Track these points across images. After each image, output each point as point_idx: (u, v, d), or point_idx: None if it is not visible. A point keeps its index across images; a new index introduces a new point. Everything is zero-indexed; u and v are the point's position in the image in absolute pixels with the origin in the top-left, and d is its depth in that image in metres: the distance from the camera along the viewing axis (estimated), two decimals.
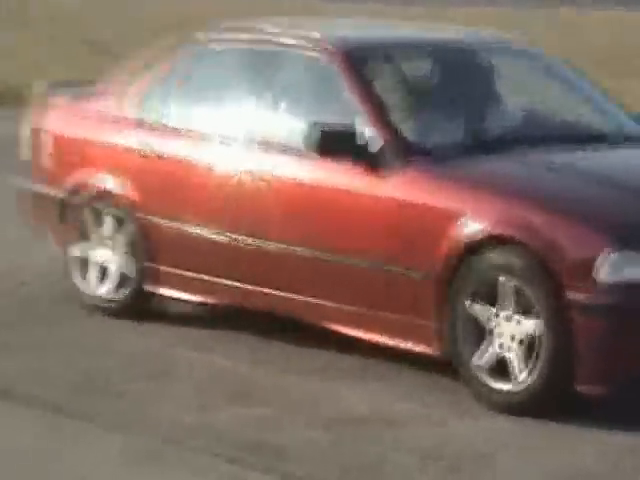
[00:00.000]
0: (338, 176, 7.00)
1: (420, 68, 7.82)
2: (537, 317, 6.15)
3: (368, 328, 6.89)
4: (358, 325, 6.93)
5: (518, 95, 8.27)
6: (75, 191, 8.03)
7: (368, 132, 6.88)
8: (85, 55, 23.57)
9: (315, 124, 6.88)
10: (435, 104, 7.62)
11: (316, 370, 6.98)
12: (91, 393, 6.50)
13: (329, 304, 7.03)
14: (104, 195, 7.96)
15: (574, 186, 6.80)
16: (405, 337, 6.69)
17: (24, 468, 5.47)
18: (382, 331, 6.82)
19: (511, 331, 6.27)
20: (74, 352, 7.29)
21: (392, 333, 6.77)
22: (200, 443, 5.70)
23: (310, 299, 7.12)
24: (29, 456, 5.63)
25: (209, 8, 34.03)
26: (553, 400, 6.19)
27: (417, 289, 6.60)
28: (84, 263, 8.06)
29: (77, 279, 8.06)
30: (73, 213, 8.08)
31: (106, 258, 8.01)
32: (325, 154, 6.86)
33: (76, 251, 8.00)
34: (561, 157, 7.19)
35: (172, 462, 5.56)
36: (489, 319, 6.33)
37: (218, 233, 7.47)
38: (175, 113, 7.92)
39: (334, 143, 6.83)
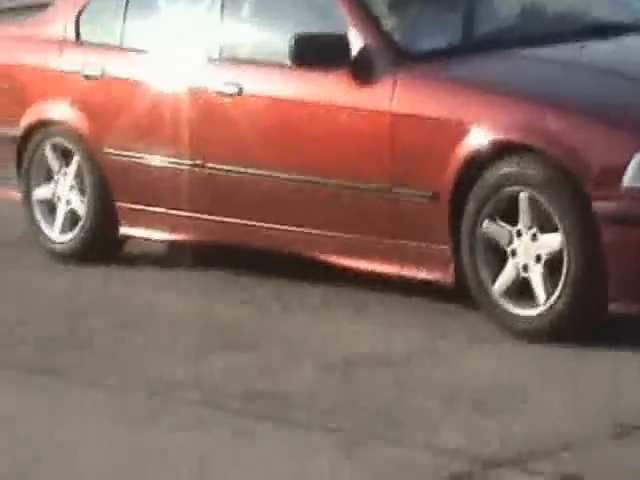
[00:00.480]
0: (319, 89, 6.73)
1: None
2: (560, 233, 5.90)
3: (375, 258, 6.63)
4: (359, 256, 6.69)
5: None
6: (30, 129, 7.83)
7: (352, 36, 6.53)
8: None
9: (293, 32, 6.60)
10: (423, 3, 7.30)
11: (313, 308, 6.72)
12: (60, 347, 6.26)
13: (324, 235, 6.77)
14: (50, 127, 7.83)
15: (591, 83, 6.48)
16: (417, 266, 6.45)
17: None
18: (391, 261, 6.55)
19: (534, 250, 6.02)
20: (38, 301, 7.07)
21: (403, 262, 6.52)
22: (196, 395, 5.45)
23: (303, 230, 6.85)
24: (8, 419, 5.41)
25: None
26: (583, 323, 5.93)
27: (427, 212, 6.35)
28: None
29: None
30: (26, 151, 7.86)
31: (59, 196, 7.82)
32: (302, 63, 6.56)
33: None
34: (572, 52, 6.79)
35: (170, 419, 5.29)
36: (509, 239, 6.08)
37: (184, 162, 7.20)
38: (126, 29, 7.60)
39: (314, 50, 6.54)
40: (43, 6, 8.87)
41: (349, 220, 6.64)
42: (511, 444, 4.77)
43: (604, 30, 7.00)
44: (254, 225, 6.97)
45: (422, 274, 6.36)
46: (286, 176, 6.74)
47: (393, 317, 6.45)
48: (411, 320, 6.37)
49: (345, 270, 6.71)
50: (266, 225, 6.90)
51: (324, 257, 6.75)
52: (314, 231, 6.73)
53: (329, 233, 6.69)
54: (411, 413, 5.18)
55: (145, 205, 7.31)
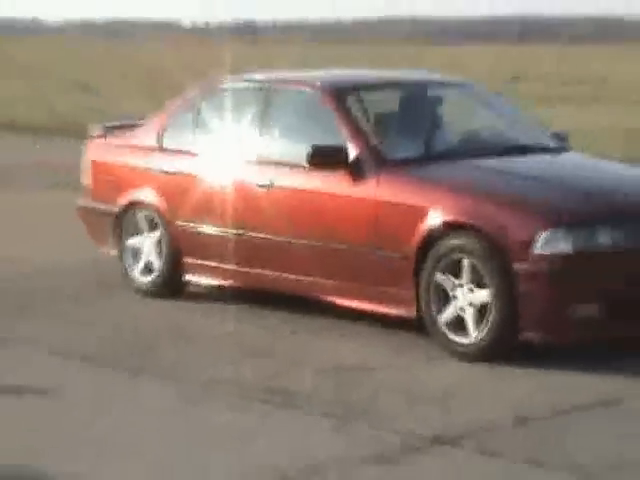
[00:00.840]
0: (327, 184, 6.91)
1: (388, 100, 7.83)
2: (489, 289, 6.10)
3: (358, 299, 6.83)
4: (350, 297, 6.86)
5: (460, 116, 8.29)
6: (126, 207, 7.82)
7: (349, 148, 6.81)
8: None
9: (309, 143, 6.90)
10: (398, 125, 7.58)
11: (313, 331, 6.91)
12: (137, 352, 6.42)
13: (326, 282, 7.00)
14: (139, 207, 7.81)
15: (513, 184, 6.78)
16: (388, 304, 6.69)
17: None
18: (372, 301, 6.78)
19: (469, 299, 6.27)
20: (123, 323, 7.07)
21: (378, 302, 6.74)
22: (233, 389, 5.74)
23: (311, 279, 7.05)
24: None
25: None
26: (499, 349, 6.12)
27: (398, 268, 6.59)
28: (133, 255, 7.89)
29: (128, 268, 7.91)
30: (120, 222, 7.78)
31: (143, 253, 7.86)
32: (317, 166, 6.85)
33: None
34: (498, 163, 7.15)
35: (214, 405, 5.64)
36: (453, 288, 6.34)
37: (231, 231, 7.35)
38: (193, 140, 7.69)
39: (323, 156, 6.82)
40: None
41: (344, 272, 6.91)
42: (451, 427, 5.05)
43: (522, 150, 7.38)
44: (278, 275, 7.14)
45: (394, 311, 6.62)
46: (302, 242, 6.97)
47: (371, 341, 6.72)
48: (384, 344, 6.61)
49: (338, 306, 6.93)
50: (284, 275, 7.11)
51: (325, 297, 7.00)
52: (319, 280, 6.98)
53: (329, 281, 6.94)
54: (384, 405, 5.51)
55: (203, 260, 7.50)
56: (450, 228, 6.47)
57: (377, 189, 6.79)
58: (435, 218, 6.47)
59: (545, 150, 7.69)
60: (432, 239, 6.49)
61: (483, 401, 5.83)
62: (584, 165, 7.93)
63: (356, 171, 6.86)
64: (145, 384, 6.22)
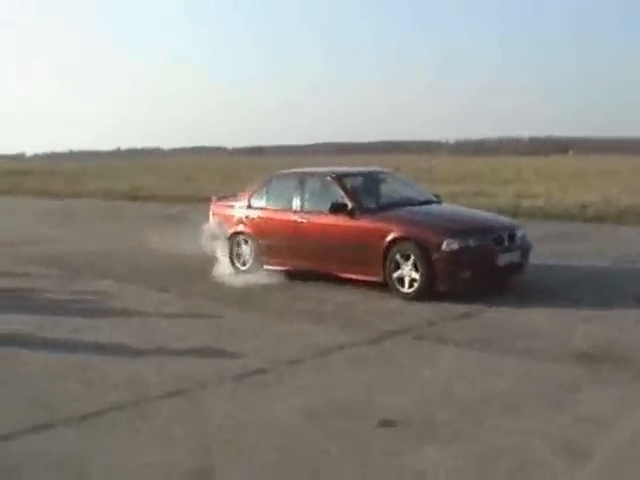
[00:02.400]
0: (338, 220, 8.80)
1: (361, 180, 9.76)
2: (416, 265, 8.02)
3: (353, 273, 8.70)
4: (349, 272, 8.74)
5: (391, 187, 10.08)
6: (232, 234, 9.99)
7: (347, 203, 8.82)
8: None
9: (331, 202, 8.82)
10: (366, 192, 9.43)
11: (325, 288, 8.79)
12: (237, 299, 8.11)
13: (337, 264, 8.79)
14: (240, 234, 9.84)
15: (425, 217, 8.74)
16: (369, 275, 8.51)
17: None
18: (359, 273, 8.62)
19: (408, 271, 8.15)
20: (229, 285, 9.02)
21: (364, 274, 8.59)
22: (290, 314, 7.71)
23: (329, 263, 8.88)
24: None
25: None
26: (421, 295, 8.03)
27: (374, 257, 8.37)
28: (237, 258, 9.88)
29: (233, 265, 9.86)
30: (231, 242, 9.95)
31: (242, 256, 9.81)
32: (333, 212, 8.82)
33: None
34: (415, 209, 9.13)
35: (284, 321, 7.47)
36: (402, 266, 8.19)
37: (290, 243, 9.25)
38: (266, 202, 9.80)
39: (337, 207, 8.79)
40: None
41: (346, 259, 8.69)
42: (398, 326, 6.84)
43: (423, 202, 9.39)
44: (311, 262, 9.09)
45: (372, 278, 8.46)
46: (323, 246, 8.90)
47: (352, 292, 8.50)
48: (360, 293, 8.41)
49: (340, 278, 8.69)
50: (314, 262, 9.05)
51: (336, 273, 8.83)
52: (334, 263, 8.82)
53: (339, 264, 8.78)
54: (363, 318, 7.33)
55: (271, 258, 9.46)
56: (401, 239, 8.10)
57: (362, 221, 8.55)
58: (394, 234, 8.15)
59: (432, 202, 9.47)
60: (390, 245, 8.12)
61: (410, 316, 7.43)
62: (454, 209, 9.91)
63: (351, 213, 8.65)
64: (247, 314, 7.77)
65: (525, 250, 8.56)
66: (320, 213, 8.94)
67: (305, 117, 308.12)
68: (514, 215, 13.20)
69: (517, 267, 8.46)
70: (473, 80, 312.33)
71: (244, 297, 8.56)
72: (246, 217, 9.82)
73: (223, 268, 9.88)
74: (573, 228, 14.47)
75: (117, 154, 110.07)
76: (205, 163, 58.29)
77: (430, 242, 7.90)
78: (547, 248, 10.73)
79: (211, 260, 10.11)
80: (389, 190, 9.63)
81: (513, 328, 6.78)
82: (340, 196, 8.83)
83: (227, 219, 10.06)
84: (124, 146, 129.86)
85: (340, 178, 9.12)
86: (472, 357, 5.93)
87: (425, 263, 7.89)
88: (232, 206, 10.14)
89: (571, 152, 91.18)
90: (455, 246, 7.88)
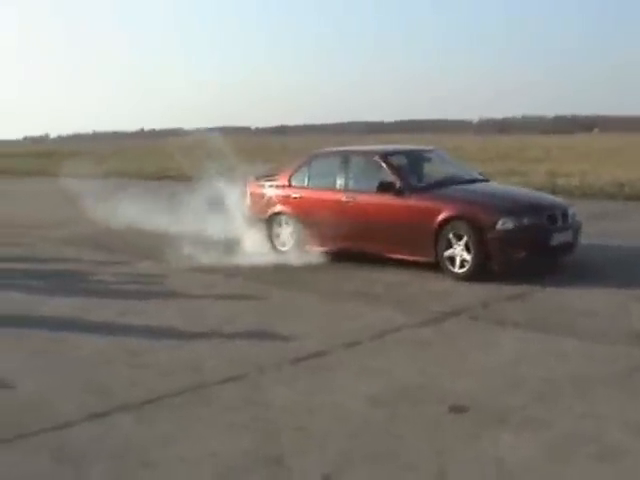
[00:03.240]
0: (386, 199, 8.62)
1: (407, 159, 9.51)
2: (468, 245, 7.82)
3: (402, 253, 8.50)
4: (398, 253, 8.54)
5: (437, 166, 9.89)
6: (271, 215, 9.80)
7: (395, 181, 8.64)
8: None
9: (379, 181, 8.63)
10: (413, 171, 9.20)
11: (375, 269, 8.64)
12: (286, 279, 8.03)
13: (387, 245, 8.61)
14: (280, 214, 9.66)
15: (480, 195, 8.57)
16: (419, 255, 8.35)
17: None
18: (409, 254, 8.42)
19: (461, 248, 7.97)
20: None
21: (413, 254, 8.42)
22: (345, 294, 7.63)
23: (376, 244, 8.68)
24: None
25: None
26: (473, 276, 7.87)
27: (426, 237, 8.17)
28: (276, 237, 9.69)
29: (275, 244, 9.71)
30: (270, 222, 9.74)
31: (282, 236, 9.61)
32: (381, 191, 8.65)
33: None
34: (465, 187, 8.94)
35: (340, 301, 7.41)
36: (454, 246, 8.00)
37: (335, 223, 8.98)
38: (310, 181, 9.58)
39: (385, 186, 8.62)
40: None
41: (396, 239, 8.46)
42: (453, 307, 6.71)
43: (471, 181, 9.17)
44: (358, 242, 8.84)
45: (423, 258, 8.29)
46: (371, 227, 8.68)
47: (404, 272, 8.34)
48: (411, 273, 8.27)
49: (388, 258, 8.49)
50: (361, 242, 8.82)
51: (384, 254, 8.61)
52: (382, 244, 8.62)
53: (388, 244, 8.59)
54: (417, 297, 7.27)
55: (314, 238, 9.20)
56: (453, 219, 7.93)
57: (411, 201, 8.38)
58: (446, 213, 8.01)
59: (479, 180, 9.27)
60: (444, 223, 7.96)
61: (463, 296, 7.33)
62: (504, 187, 9.69)
63: (399, 192, 8.48)
64: (295, 294, 7.68)
65: (576, 229, 8.40)
66: (367, 192, 8.79)
67: (329, 96, 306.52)
68: (553, 194, 12.85)
69: (569, 246, 8.32)
70: (494, 59, 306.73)
71: (288, 278, 8.47)
72: (286, 197, 9.65)
73: (261, 248, 9.75)
74: (613, 207, 14.24)
75: (140, 135, 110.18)
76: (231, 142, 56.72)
77: (484, 221, 7.75)
78: (591, 227, 10.45)
79: (250, 241, 10.09)
80: (435, 168, 9.44)
81: (569, 309, 6.67)
82: (388, 175, 8.68)
83: (266, 199, 9.89)
84: (147, 127, 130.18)
85: (387, 156, 8.96)
86: (533, 339, 5.84)
87: (478, 243, 7.74)
88: (271, 186, 9.95)
89: (596, 130, 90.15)
90: (510, 225, 7.72)
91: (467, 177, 9.24)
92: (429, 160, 9.53)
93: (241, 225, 10.13)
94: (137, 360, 5.59)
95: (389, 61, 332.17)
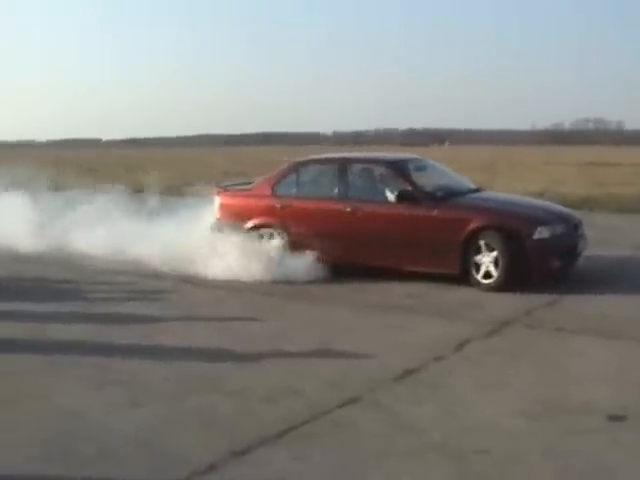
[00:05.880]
0: (403, 209, 8.30)
1: (414, 168, 9.09)
2: (500, 255, 7.68)
3: (423, 266, 8.17)
4: (418, 266, 8.20)
5: (437, 176, 9.55)
6: (252, 227, 9.03)
7: (413, 191, 8.34)
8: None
9: (398, 190, 8.24)
10: (423, 180, 8.81)
11: (392, 280, 8.32)
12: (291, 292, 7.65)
13: (404, 258, 8.20)
14: (264, 226, 8.90)
15: (502, 205, 8.52)
16: (442, 268, 8.07)
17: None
18: (431, 267, 8.10)
19: (489, 260, 7.82)
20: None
21: (438, 266, 8.09)
22: (361, 305, 7.44)
23: (393, 257, 8.26)
24: None
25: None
26: (509, 286, 7.68)
27: (452, 248, 7.94)
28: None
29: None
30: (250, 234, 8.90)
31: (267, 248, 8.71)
32: (399, 201, 8.29)
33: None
34: (481, 196, 8.80)
35: (364, 309, 7.26)
36: (484, 256, 7.85)
37: (337, 234, 8.54)
38: (300, 189, 9.01)
39: (403, 196, 8.27)
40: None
41: (418, 252, 8.08)
42: (491, 318, 6.67)
43: (476, 190, 8.99)
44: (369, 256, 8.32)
45: (447, 271, 8.03)
46: (384, 238, 8.27)
47: (420, 285, 8.13)
48: (429, 285, 8.08)
49: (405, 271, 8.16)
50: (369, 256, 8.36)
51: (401, 267, 8.25)
52: (396, 257, 8.26)
53: (404, 258, 8.22)
54: (450, 307, 7.17)
55: (315, 251, 8.48)
56: (484, 229, 7.74)
57: (433, 211, 8.10)
58: (476, 223, 7.81)
59: (479, 190, 9.08)
60: (473, 233, 7.76)
61: (498, 306, 7.24)
62: (516, 197, 9.78)
63: (417, 202, 8.20)
64: (327, 308, 7.37)
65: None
66: (376, 202, 8.45)
67: (179, 109, 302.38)
68: None
69: (581, 254, 8.39)
70: (350, 73, 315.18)
71: (295, 291, 8.07)
72: (272, 207, 8.94)
73: (241, 261, 8.86)
74: None
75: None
76: (79, 155, 54.74)
77: (521, 231, 7.67)
78: None
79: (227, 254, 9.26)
80: (436, 178, 9.17)
81: (611, 315, 6.81)
82: (403, 184, 8.36)
83: (243, 210, 9.17)
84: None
85: (398, 165, 8.69)
86: (611, 345, 5.90)
87: (510, 253, 7.66)
88: (248, 196, 9.31)
89: (447, 143, 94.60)
90: (546, 234, 7.73)
91: (469, 187, 9.11)
92: (426, 169, 9.30)
93: (209, 237, 9.35)
94: (222, 387, 5.08)
95: (245, 74, 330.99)
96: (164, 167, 27.11)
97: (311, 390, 4.91)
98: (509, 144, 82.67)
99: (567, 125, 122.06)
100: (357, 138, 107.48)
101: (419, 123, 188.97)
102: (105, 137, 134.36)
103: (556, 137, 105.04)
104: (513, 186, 18.17)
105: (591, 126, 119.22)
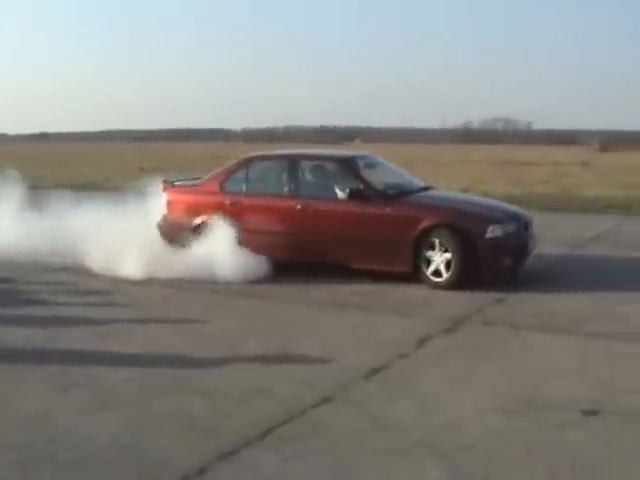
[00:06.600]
0: (354, 207, 8.29)
1: (365, 165, 9.12)
2: (452, 255, 7.73)
3: (376, 264, 8.16)
4: (371, 263, 8.16)
5: (386, 173, 9.55)
6: (198, 224, 8.88)
7: (363, 188, 8.31)
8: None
9: (349, 187, 8.24)
10: (372, 177, 8.81)
11: (348, 277, 8.24)
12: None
13: (355, 255, 8.18)
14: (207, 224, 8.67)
15: (454, 204, 8.54)
16: (395, 266, 8.11)
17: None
18: (383, 265, 8.11)
19: (441, 259, 7.87)
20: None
21: (390, 264, 8.12)
22: (332, 302, 7.45)
23: (343, 255, 8.23)
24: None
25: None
26: (460, 284, 7.77)
27: (404, 246, 7.99)
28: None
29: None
30: (194, 232, 8.77)
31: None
32: (350, 199, 8.27)
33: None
34: (432, 194, 8.87)
35: (337, 309, 7.24)
36: (435, 255, 7.89)
37: (288, 232, 8.47)
38: (250, 186, 8.94)
39: (354, 193, 8.27)
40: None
41: (370, 250, 8.06)
42: (451, 314, 6.65)
43: (425, 189, 9.02)
44: (318, 254, 8.27)
45: (399, 269, 8.07)
46: (335, 236, 8.27)
47: (374, 282, 8.04)
48: (383, 282, 8.03)
49: (356, 269, 8.13)
50: (318, 254, 8.31)
51: (352, 265, 8.21)
52: (347, 255, 8.24)
53: (355, 255, 8.16)
54: (404, 305, 7.16)
55: (263, 247, 8.42)
56: (436, 227, 7.76)
57: (383, 209, 8.09)
58: (428, 222, 7.83)
59: (430, 188, 9.16)
60: (425, 231, 7.79)
61: (449, 304, 7.30)
62: (467, 196, 10.00)
63: (367, 199, 8.21)
64: (284, 306, 7.29)
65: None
66: (326, 199, 8.41)
67: (91, 104, 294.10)
68: None
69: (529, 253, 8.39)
70: (256, 71, 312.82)
71: (245, 289, 8.03)
72: (221, 204, 8.87)
73: (186, 257, 8.72)
74: None
75: None
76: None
77: (473, 229, 7.68)
78: None
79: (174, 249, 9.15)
80: (386, 176, 9.17)
81: (560, 311, 6.93)
82: (354, 182, 8.32)
83: (191, 207, 9.10)
84: None
85: (349, 162, 8.62)
86: (563, 341, 6.02)
87: (462, 251, 7.69)
88: (196, 192, 9.23)
89: (357, 141, 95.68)
90: (498, 233, 7.73)
91: (419, 184, 9.14)
92: (376, 166, 9.29)
93: (154, 233, 9.28)
94: (194, 387, 4.97)
95: (154, 71, 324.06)
96: (77, 163, 26.07)
97: (282, 391, 4.84)
98: (420, 142, 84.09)
99: (476, 124, 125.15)
100: (270, 135, 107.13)
101: (329, 121, 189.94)
102: (11, 132, 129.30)
103: (466, 136, 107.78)
104: (437, 185, 18.05)
105: (500, 126, 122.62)
